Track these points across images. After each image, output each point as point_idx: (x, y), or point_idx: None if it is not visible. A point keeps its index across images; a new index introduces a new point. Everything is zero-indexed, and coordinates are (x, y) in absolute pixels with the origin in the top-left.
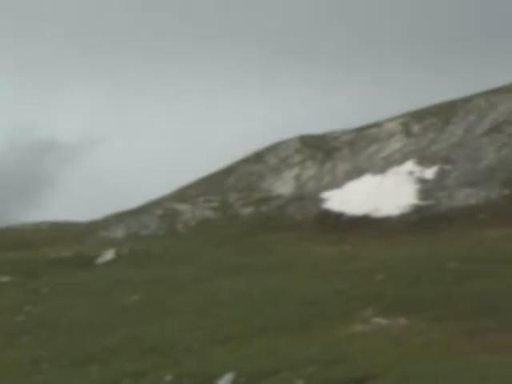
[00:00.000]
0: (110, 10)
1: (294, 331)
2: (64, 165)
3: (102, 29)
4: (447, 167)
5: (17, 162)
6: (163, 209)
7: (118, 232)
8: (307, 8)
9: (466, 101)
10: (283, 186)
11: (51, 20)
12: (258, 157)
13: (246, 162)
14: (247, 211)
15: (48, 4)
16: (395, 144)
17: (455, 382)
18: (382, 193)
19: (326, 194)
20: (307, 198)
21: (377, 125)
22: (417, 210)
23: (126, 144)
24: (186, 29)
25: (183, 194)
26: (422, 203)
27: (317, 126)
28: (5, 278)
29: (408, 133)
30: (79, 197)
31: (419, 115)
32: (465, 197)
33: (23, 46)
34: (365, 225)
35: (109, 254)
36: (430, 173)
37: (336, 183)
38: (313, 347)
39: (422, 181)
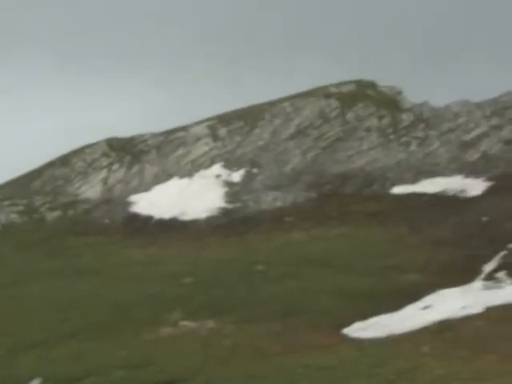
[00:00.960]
0: None
1: (102, 335)
2: None
3: None
4: (254, 170)
5: None
6: None
7: None
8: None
9: (271, 105)
10: (90, 189)
11: None
12: (65, 160)
13: (51, 165)
14: (54, 215)
15: None
16: (202, 147)
17: (264, 383)
18: (190, 196)
19: (133, 198)
20: (115, 201)
21: (184, 128)
22: (224, 213)
23: None
24: None
25: None
26: (230, 206)
27: (124, 129)
28: None
29: (215, 136)
30: None
31: (226, 119)
32: (271, 200)
33: None
34: (173, 228)
35: None
36: (236, 176)
37: (144, 187)
38: (121, 351)
39: (229, 184)
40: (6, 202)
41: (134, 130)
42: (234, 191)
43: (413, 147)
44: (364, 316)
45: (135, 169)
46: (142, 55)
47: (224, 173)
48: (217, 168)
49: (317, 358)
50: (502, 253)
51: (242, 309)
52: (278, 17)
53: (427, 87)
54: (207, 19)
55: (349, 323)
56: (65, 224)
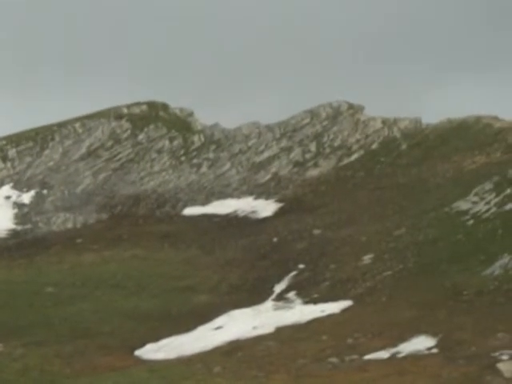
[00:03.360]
0: None
1: None
2: None
3: None
4: (44, 192)
5: None
6: None
7: None
8: None
9: (62, 125)
10: None
11: None
12: None
13: None
14: None
15: None
16: None
17: None
18: None
19: None
20: None
21: None
22: (14, 235)
23: None
24: None
25: None
26: (20, 228)
27: None
28: None
29: (4, 157)
30: None
31: (15, 139)
32: (62, 221)
33: None
34: None
35: None
36: (27, 197)
37: None
38: None
39: (19, 205)
40: None
41: None
42: (23, 212)
43: (204, 169)
44: (156, 337)
45: None
46: None
47: (14, 194)
48: (6, 189)
49: (108, 380)
50: (292, 273)
51: (32, 331)
52: (68, 33)
53: (218, 109)
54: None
55: (141, 345)
56: None
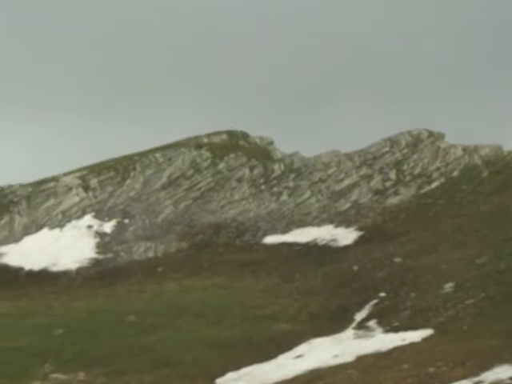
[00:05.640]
0: None
1: None
2: None
3: None
4: (125, 221)
5: None
6: None
7: None
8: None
9: (143, 155)
10: None
11: None
12: None
13: None
14: None
15: None
16: (73, 198)
17: None
18: (61, 247)
19: (3, 249)
20: None
21: (54, 179)
22: (96, 264)
23: None
24: None
25: None
26: (101, 257)
27: None
28: None
29: (86, 187)
30: None
31: (97, 169)
32: (143, 250)
33: None
34: (43, 279)
35: None
36: (108, 226)
37: (14, 237)
38: None
39: (101, 234)
40: None
41: (2, 181)
42: (105, 242)
43: (284, 197)
44: (237, 366)
45: (4, 219)
46: (7, 104)
47: (95, 223)
48: (88, 218)
49: None
50: (373, 301)
51: (113, 360)
52: (150, 66)
53: (298, 138)
54: (74, 71)
55: (222, 373)
56: None
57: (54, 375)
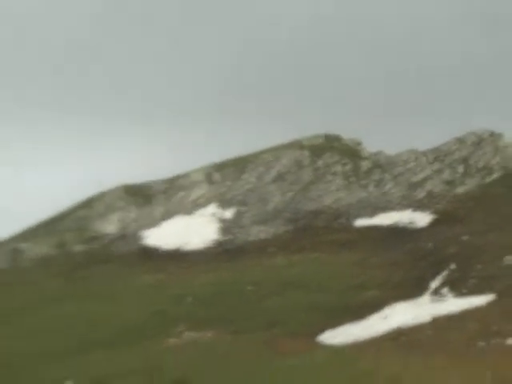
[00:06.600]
0: None
1: (119, 347)
2: None
3: None
4: (242, 209)
5: None
6: (9, 247)
7: None
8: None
9: (255, 156)
10: (109, 226)
11: None
12: (88, 203)
13: (78, 207)
14: (80, 248)
15: None
16: (200, 190)
17: (258, 381)
18: (191, 230)
19: (144, 233)
20: (129, 236)
21: (185, 175)
22: (219, 244)
23: None
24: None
25: (26, 235)
26: (223, 238)
27: (136, 177)
28: None
29: (210, 181)
30: None
31: (219, 167)
32: (257, 232)
33: None
34: (177, 257)
35: None
36: (228, 214)
37: (153, 223)
38: (136, 359)
39: (223, 220)
40: (42, 238)
41: (143, 178)
42: (226, 226)
43: (371, 188)
44: (334, 325)
45: (146, 209)
46: (148, 115)
47: (218, 211)
48: (212, 207)
49: (297, 360)
50: (445, 272)
51: (235, 321)
52: (266, 81)
53: (382, 139)
54: (201, 78)
55: (322, 331)
56: (89, 255)
57: (187, 334)
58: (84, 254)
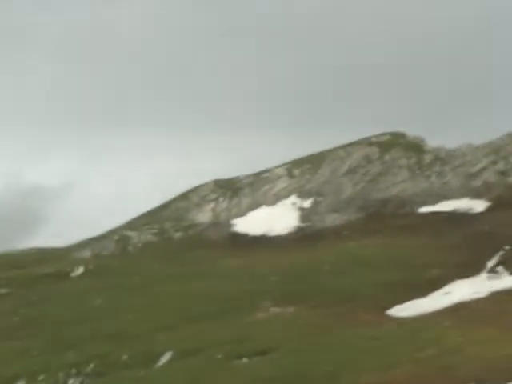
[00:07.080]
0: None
1: (214, 320)
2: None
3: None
4: (319, 199)
5: (14, 201)
6: (118, 235)
7: (86, 253)
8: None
9: (330, 151)
10: (203, 216)
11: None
12: (185, 196)
13: (176, 199)
14: (178, 235)
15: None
16: (282, 184)
17: (333, 351)
18: (274, 218)
19: (234, 221)
20: (221, 224)
21: (268, 170)
22: (299, 230)
23: (89, 189)
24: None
25: (132, 224)
26: (303, 225)
27: (226, 172)
28: (3, 290)
29: (291, 175)
30: (58, 227)
31: (298, 163)
32: (332, 219)
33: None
34: (262, 242)
35: (80, 269)
36: (307, 203)
37: (241, 213)
38: (228, 331)
39: (302, 209)
40: (145, 227)
41: (233, 173)
42: (305, 214)
43: (433, 179)
44: (401, 301)
45: (235, 200)
46: (239, 119)
47: (298, 201)
48: (293, 198)
49: (369, 331)
50: (500, 253)
51: (313, 297)
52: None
53: (442, 135)
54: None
55: (390, 306)
56: (186, 241)
57: (271, 309)
58: (182, 240)
